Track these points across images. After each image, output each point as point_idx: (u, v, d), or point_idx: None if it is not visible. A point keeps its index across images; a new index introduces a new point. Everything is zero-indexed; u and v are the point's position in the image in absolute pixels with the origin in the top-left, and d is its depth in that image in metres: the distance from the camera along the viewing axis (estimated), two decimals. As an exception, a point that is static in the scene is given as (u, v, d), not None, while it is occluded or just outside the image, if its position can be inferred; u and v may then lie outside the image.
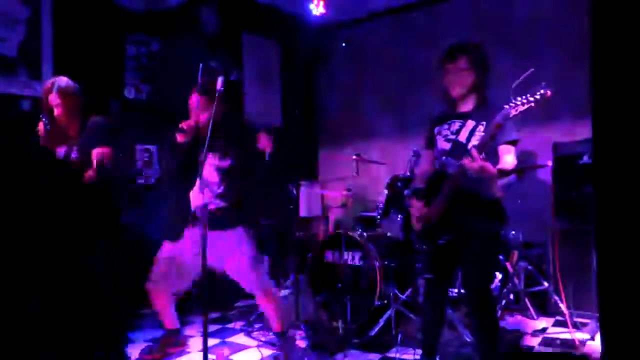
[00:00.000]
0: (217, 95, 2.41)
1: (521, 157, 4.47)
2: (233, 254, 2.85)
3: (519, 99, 2.15)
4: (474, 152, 2.16)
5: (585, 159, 3.67)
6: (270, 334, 3.35)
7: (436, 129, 2.53)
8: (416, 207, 2.50)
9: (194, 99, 2.84)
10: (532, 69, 2.19)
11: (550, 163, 3.85)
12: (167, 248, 2.92)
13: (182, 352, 3.12)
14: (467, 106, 2.45)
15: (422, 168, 2.81)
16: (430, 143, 2.59)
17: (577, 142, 3.74)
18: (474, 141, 2.32)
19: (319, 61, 6.10)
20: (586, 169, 3.63)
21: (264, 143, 2.97)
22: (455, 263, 2.53)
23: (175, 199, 2.97)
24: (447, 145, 2.43)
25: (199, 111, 2.80)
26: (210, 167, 2.87)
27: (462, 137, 2.38)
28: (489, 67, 2.43)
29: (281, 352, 2.99)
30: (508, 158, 2.34)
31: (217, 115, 2.44)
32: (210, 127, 2.37)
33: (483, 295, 2.40)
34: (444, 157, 2.41)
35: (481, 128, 2.33)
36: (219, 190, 2.86)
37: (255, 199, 3.07)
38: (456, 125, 2.43)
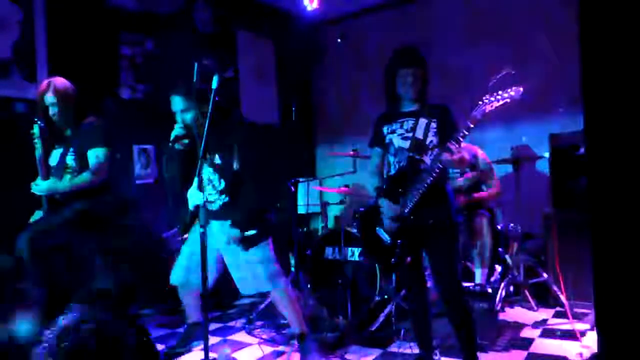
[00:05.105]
0: (209, 93, 2.38)
1: (518, 148, 4.50)
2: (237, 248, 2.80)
3: (491, 96, 2.29)
4: (453, 146, 2.28)
5: (583, 150, 3.66)
6: (269, 327, 3.39)
7: (385, 128, 2.62)
8: (387, 206, 2.52)
9: (176, 102, 2.79)
10: (510, 71, 2.33)
11: (547, 154, 3.85)
12: (186, 244, 2.95)
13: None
14: (411, 106, 2.59)
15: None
16: (380, 142, 2.66)
17: (574, 133, 3.74)
18: (431, 137, 2.48)
19: (314, 57, 6.08)
20: (583, 160, 3.63)
21: None
22: (419, 250, 2.59)
23: (176, 197, 2.97)
24: (406, 143, 2.53)
25: (183, 113, 2.78)
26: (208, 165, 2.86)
27: (419, 134, 2.50)
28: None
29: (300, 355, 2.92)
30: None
31: (210, 114, 2.39)
32: (206, 126, 2.34)
33: (451, 290, 2.49)
34: (410, 154, 2.49)
35: (434, 125, 2.48)
36: (220, 187, 2.85)
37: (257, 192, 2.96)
38: (409, 123, 2.55)
